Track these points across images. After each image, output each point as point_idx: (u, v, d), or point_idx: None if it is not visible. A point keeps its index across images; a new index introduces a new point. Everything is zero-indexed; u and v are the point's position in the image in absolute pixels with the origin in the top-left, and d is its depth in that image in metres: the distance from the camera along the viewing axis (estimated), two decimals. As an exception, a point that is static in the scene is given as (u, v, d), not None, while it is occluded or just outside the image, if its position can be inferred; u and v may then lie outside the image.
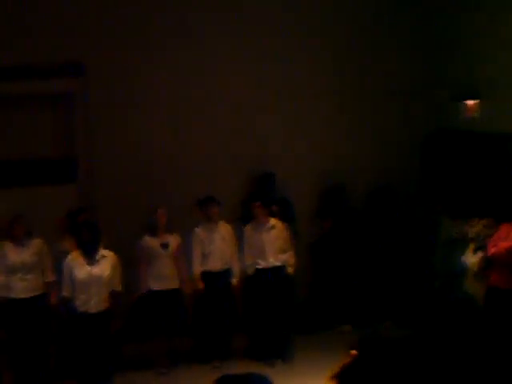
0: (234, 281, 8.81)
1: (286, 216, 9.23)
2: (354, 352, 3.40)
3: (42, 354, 8.21)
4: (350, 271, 9.85)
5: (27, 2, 9.49)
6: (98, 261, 7.49)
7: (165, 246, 8.62)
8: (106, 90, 9.68)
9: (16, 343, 7.78)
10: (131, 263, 8.37)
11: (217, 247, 8.77)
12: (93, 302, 7.41)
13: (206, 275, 8.77)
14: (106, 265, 7.51)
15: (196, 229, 8.83)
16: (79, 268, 7.45)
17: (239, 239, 8.92)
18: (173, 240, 8.68)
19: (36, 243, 8.25)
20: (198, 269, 8.74)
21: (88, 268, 7.44)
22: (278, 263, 8.79)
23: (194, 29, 9.89)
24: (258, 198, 8.90)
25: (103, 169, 9.67)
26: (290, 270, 8.85)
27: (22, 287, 8.14)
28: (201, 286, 8.73)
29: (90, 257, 7.48)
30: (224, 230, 8.86)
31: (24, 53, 9.41)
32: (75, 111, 9.85)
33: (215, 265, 8.79)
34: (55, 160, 9.86)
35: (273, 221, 8.84)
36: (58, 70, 9.62)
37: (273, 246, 8.78)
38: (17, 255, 8.17)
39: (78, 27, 9.53)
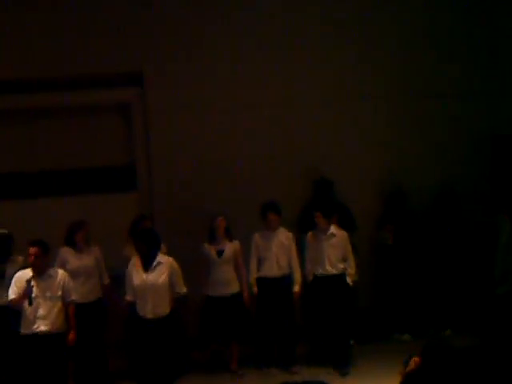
0: (296, 287, 8.80)
1: (346, 224, 9.17)
2: (417, 359, 3.37)
3: (101, 355, 8.47)
4: (412, 279, 9.72)
5: (88, 15, 9.67)
6: (154, 268, 7.54)
7: (220, 252, 8.69)
8: (164, 99, 9.80)
9: (79, 347, 7.89)
10: (191, 270, 8.40)
11: (273, 254, 8.78)
12: (149, 308, 7.47)
13: (262, 281, 8.82)
14: (161, 271, 7.54)
15: (255, 234, 8.88)
16: (136, 274, 7.54)
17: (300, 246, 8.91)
18: (230, 247, 8.72)
19: (95, 249, 8.54)
20: (253, 274, 8.82)
21: (144, 275, 7.51)
22: (336, 271, 8.76)
23: (247, 33, 9.93)
24: (318, 206, 8.89)
25: (162, 176, 9.76)
26: (349, 280, 8.79)
27: (85, 291, 8.36)
28: (256, 291, 8.79)
29: (148, 263, 7.56)
30: (283, 237, 8.85)
31: (85, 63, 9.60)
32: (134, 120, 9.99)
33: (271, 271, 8.81)
34: (116, 168, 10.00)
35: (333, 229, 8.82)
36: (117, 80, 9.80)
37: (332, 254, 8.75)
38: (78, 261, 8.40)
39: (137, 39, 9.69)
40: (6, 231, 8.43)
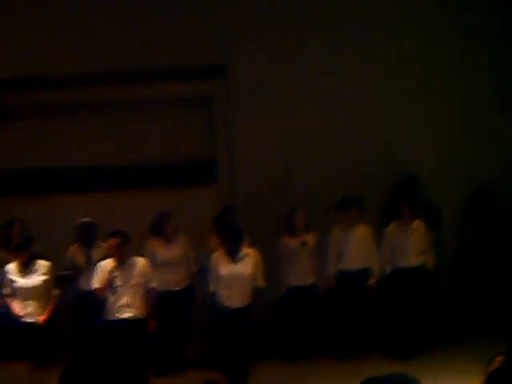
0: (372, 281, 8.83)
1: (431, 221, 9.08)
2: (500, 358, 3.29)
3: (182, 341, 8.65)
4: (496, 279, 9.52)
5: (174, 6, 9.72)
6: (240, 259, 7.69)
7: (304, 243, 8.78)
8: (247, 92, 9.79)
9: (162, 333, 8.04)
10: (271, 261, 8.44)
11: (352, 248, 8.85)
12: (235, 298, 7.63)
13: (341, 274, 8.89)
14: (248, 263, 7.71)
15: (334, 229, 8.93)
16: (223, 266, 7.69)
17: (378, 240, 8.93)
18: (311, 238, 8.86)
19: (182, 238, 8.73)
20: (332, 268, 8.90)
21: (231, 266, 7.65)
22: (417, 264, 8.80)
23: (334, 28, 9.84)
24: (405, 200, 8.88)
25: (243, 170, 9.80)
26: (429, 266, 8.82)
27: (174, 280, 8.57)
28: (334, 284, 8.87)
29: (233, 255, 7.70)
30: (362, 232, 8.89)
31: (167, 55, 9.66)
32: (217, 113, 10.02)
33: (350, 265, 8.87)
34: (197, 161, 10.07)
35: (416, 223, 8.85)
36: (201, 72, 9.83)
37: (414, 247, 8.80)
38: (167, 251, 8.61)
39: (221, 30, 9.69)
40: (89, 220, 8.66)
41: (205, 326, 8.36)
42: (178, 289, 8.61)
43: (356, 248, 8.86)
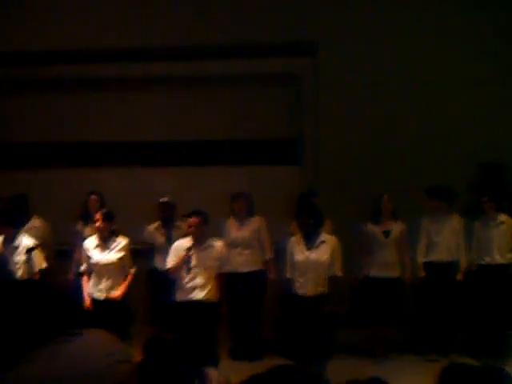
0: (459, 275, 8.45)
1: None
2: None
3: (256, 325, 8.49)
4: None
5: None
6: (317, 246, 7.43)
7: (387, 233, 8.43)
8: (337, 72, 9.54)
9: (234, 315, 7.98)
10: (353, 249, 8.18)
11: (444, 239, 8.48)
12: (310, 286, 7.39)
13: (429, 265, 8.52)
14: (324, 250, 7.43)
15: (424, 218, 8.56)
16: (299, 251, 7.47)
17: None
18: (396, 227, 8.46)
19: (256, 220, 8.51)
20: (421, 258, 8.52)
21: (307, 252, 7.42)
22: (503, 261, 8.37)
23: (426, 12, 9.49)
24: (486, 191, 8.44)
25: (329, 151, 9.56)
26: None
27: (241, 262, 8.42)
28: (423, 275, 8.49)
29: (310, 241, 7.44)
30: (454, 222, 8.52)
31: (257, 31, 9.52)
32: (304, 92, 9.81)
33: (440, 256, 8.49)
34: (282, 140, 9.90)
35: (502, 216, 8.41)
36: (290, 50, 9.66)
37: (500, 242, 8.37)
38: (237, 231, 8.47)
39: (312, 6, 9.45)
40: (168, 199, 8.57)
41: (279, 312, 8.18)
42: (246, 271, 8.42)
43: (447, 239, 8.47)
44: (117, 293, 7.61)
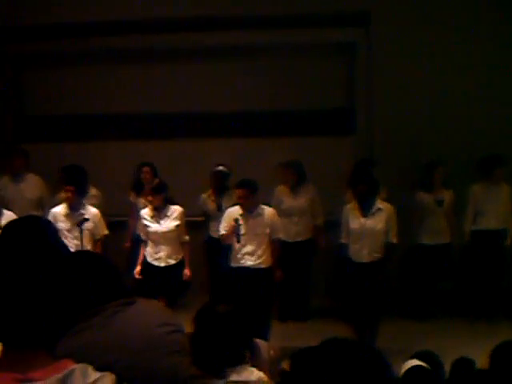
0: (508, 241, 8.52)
1: None
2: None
3: (304, 292, 8.67)
4: None
5: None
6: (373, 213, 7.46)
7: (440, 202, 8.53)
8: (391, 41, 9.44)
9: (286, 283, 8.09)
10: (406, 216, 8.17)
11: (492, 207, 8.52)
12: (365, 253, 7.44)
13: (478, 233, 8.60)
14: (380, 217, 7.46)
15: (474, 186, 8.62)
16: (354, 219, 7.51)
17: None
18: (447, 196, 8.59)
19: (309, 189, 8.63)
20: (469, 226, 8.63)
21: (362, 220, 7.46)
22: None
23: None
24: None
25: (382, 121, 9.49)
26: None
27: (296, 231, 8.55)
28: (469, 242, 8.61)
29: (366, 209, 7.48)
30: (504, 191, 8.56)
31: (310, 0, 9.49)
32: (358, 61, 9.76)
33: (488, 224, 8.56)
34: (334, 110, 9.87)
35: None
36: (343, 19, 9.59)
37: None
38: (292, 200, 8.57)
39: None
40: (224, 168, 8.69)
41: (329, 279, 8.28)
42: (300, 239, 8.58)
43: (497, 207, 8.54)
44: (186, 272, 7.76)
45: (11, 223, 2.43)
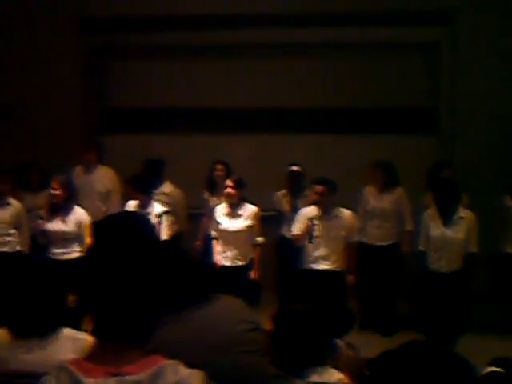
0: None
1: None
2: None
3: (390, 300, 8.21)
4: None
5: None
6: (453, 221, 7.20)
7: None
8: (476, 42, 9.16)
9: (363, 288, 7.88)
10: (491, 224, 7.82)
11: None
12: (443, 262, 7.19)
13: None
14: (461, 227, 7.20)
15: None
16: (434, 226, 7.26)
17: None
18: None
19: (397, 192, 8.20)
20: None
21: (442, 228, 7.21)
22: None
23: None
24: None
25: (467, 122, 9.18)
26: None
27: (378, 234, 8.17)
28: None
29: (446, 216, 7.22)
30: None
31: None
32: (442, 61, 9.49)
33: None
34: (416, 109, 9.64)
35: None
36: (428, 18, 9.34)
37: None
38: (377, 201, 8.20)
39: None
40: (299, 169, 8.49)
41: (413, 286, 7.96)
42: (382, 244, 8.14)
43: None
44: (252, 274, 7.60)
45: (108, 218, 2.45)
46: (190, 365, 2.03)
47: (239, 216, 7.59)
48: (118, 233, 2.09)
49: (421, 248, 7.36)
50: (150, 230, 2.24)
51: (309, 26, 9.40)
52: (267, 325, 3.45)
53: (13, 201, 7.68)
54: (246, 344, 2.55)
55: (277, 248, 8.54)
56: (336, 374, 3.49)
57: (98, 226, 2.23)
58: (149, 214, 7.45)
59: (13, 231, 7.61)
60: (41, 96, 9.81)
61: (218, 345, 2.51)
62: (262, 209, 7.81)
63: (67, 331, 3.32)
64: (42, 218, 7.32)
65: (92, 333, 2.07)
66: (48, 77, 9.76)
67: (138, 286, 2.01)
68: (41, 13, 9.76)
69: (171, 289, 2.53)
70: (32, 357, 3.20)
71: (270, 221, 8.41)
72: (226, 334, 2.54)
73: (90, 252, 2.11)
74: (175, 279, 2.60)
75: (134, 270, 2.02)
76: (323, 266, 7.22)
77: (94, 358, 2.01)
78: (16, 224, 7.63)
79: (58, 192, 7.17)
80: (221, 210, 7.66)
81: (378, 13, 9.34)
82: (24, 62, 9.80)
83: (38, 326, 3.27)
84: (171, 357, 2.03)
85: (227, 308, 2.67)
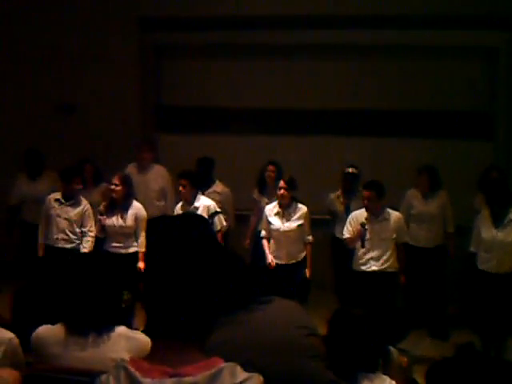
0: None
1: None
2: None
3: (439, 299, 8.25)
4: None
5: None
6: (505, 224, 7.12)
7: None
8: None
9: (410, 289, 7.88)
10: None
11: None
12: (494, 264, 7.14)
13: None
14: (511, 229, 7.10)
15: None
16: (486, 229, 7.21)
17: None
18: None
19: (442, 196, 8.26)
20: None
21: (494, 231, 7.14)
22: None
23: None
24: None
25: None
26: None
27: (424, 237, 8.22)
28: None
29: (498, 219, 7.15)
30: None
31: (453, 2, 9.20)
32: (500, 66, 9.38)
33: None
34: (473, 114, 9.54)
35: None
36: (487, 23, 9.21)
37: None
38: (422, 206, 8.25)
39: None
40: (355, 170, 8.46)
41: (462, 287, 7.91)
42: (429, 246, 8.21)
43: None
44: (306, 272, 7.65)
45: (167, 218, 2.50)
46: (247, 367, 2.03)
47: (290, 216, 7.66)
48: (177, 232, 2.10)
49: (472, 249, 7.35)
50: (210, 230, 2.26)
51: (363, 28, 9.38)
52: (322, 329, 3.40)
53: (84, 201, 7.67)
54: (305, 349, 2.52)
55: (332, 248, 8.55)
56: (388, 381, 3.47)
57: (155, 225, 2.23)
58: (197, 208, 7.52)
59: (79, 230, 7.59)
60: (100, 94, 9.98)
61: (276, 348, 2.47)
62: (312, 212, 7.86)
63: (121, 329, 3.35)
64: (102, 214, 7.46)
65: (147, 332, 2.10)
66: (108, 75, 9.91)
67: (198, 285, 2.02)
68: (104, 13, 9.94)
69: (227, 289, 2.51)
70: (86, 354, 3.25)
71: (323, 222, 8.43)
72: (284, 337, 2.51)
73: (150, 251, 2.12)
74: (232, 280, 2.55)
75: (194, 269, 2.02)
76: (375, 267, 7.25)
77: (152, 357, 2.02)
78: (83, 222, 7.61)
79: (118, 188, 7.33)
80: (272, 210, 7.72)
81: (439, 16, 9.27)
82: (87, 60, 9.96)
83: (94, 322, 3.31)
84: (227, 359, 2.02)
85: (284, 311, 2.62)
